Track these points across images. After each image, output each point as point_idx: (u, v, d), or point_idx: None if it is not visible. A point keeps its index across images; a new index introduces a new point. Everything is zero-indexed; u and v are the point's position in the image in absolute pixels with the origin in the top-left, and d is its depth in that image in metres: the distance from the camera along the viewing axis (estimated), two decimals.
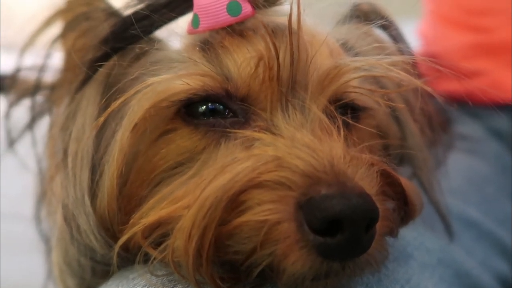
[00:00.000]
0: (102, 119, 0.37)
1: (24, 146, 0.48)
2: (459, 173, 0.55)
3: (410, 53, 0.44)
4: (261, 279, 0.33)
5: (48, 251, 0.48)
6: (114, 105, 0.36)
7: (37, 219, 0.47)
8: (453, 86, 0.59)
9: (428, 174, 0.45)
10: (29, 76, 0.46)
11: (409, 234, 0.44)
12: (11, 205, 0.65)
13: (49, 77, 0.45)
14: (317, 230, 0.30)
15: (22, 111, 0.47)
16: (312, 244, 0.30)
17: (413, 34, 0.69)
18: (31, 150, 0.47)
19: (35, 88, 0.45)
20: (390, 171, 0.35)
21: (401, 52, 0.42)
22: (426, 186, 0.44)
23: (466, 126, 0.60)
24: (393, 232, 0.36)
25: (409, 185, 0.38)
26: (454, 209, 0.49)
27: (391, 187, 0.35)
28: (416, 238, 0.45)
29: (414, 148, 0.43)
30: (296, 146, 0.32)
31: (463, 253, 0.49)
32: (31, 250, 0.49)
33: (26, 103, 0.47)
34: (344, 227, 0.30)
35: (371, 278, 0.38)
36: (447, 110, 0.56)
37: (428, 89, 0.39)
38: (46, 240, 0.48)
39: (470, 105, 0.62)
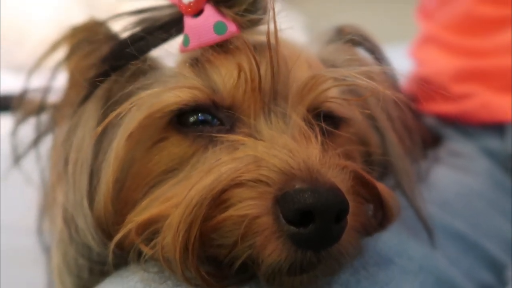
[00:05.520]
0: (100, 128, 0.40)
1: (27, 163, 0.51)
2: (449, 187, 0.56)
3: (387, 65, 0.47)
4: (245, 276, 0.36)
5: (49, 261, 0.51)
6: (111, 116, 0.39)
7: (40, 230, 0.50)
8: (444, 107, 0.61)
9: (409, 182, 0.46)
10: (35, 97, 0.49)
11: (391, 241, 0.45)
12: (13, 218, 0.67)
13: (54, 97, 0.49)
14: (291, 221, 0.33)
15: (26, 129, 0.51)
16: (287, 234, 0.33)
17: (403, 58, 0.72)
18: (34, 167, 0.50)
19: (40, 108, 0.48)
20: (363, 174, 0.38)
21: (378, 64, 0.45)
22: (408, 193, 0.46)
23: (458, 144, 0.62)
24: (369, 231, 0.38)
25: (385, 189, 0.40)
26: (442, 221, 0.51)
27: (366, 189, 0.38)
28: (398, 245, 0.46)
29: (394, 157, 0.46)
30: (275, 147, 0.35)
31: (447, 262, 0.50)
32: (31, 263, 0.51)
33: (31, 122, 0.50)
34: (315, 217, 0.32)
35: (350, 279, 0.40)
36: (437, 127, 0.58)
37: (400, 96, 0.42)
38: (47, 251, 0.51)
39: (461, 124, 0.63)
